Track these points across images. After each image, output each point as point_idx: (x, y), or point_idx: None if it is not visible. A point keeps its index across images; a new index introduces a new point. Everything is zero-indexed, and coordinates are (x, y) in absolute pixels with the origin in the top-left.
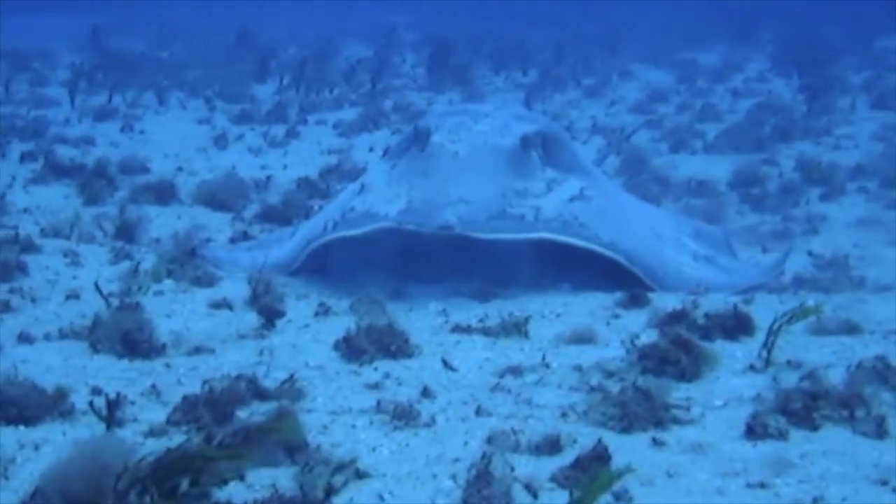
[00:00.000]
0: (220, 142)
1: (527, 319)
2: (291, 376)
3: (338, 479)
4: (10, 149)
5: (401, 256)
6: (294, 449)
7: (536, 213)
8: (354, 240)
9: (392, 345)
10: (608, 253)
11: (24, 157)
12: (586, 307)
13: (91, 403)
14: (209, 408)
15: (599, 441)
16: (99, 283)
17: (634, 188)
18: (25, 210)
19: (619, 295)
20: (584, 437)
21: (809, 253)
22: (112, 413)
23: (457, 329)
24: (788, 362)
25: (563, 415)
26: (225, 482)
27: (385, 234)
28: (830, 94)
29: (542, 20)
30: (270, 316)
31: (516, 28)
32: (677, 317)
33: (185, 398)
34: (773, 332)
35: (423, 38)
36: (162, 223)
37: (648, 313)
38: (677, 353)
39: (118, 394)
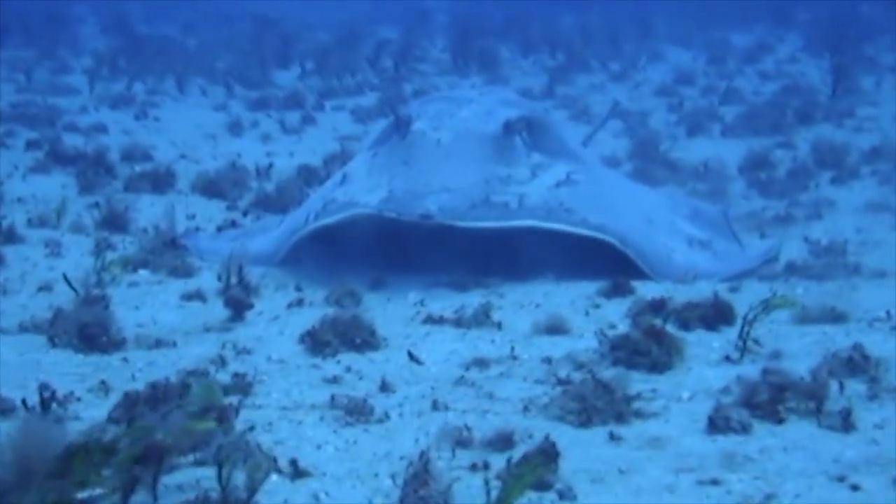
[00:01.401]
0: (235, 129)
1: (500, 310)
2: (245, 372)
3: (257, 477)
4: (19, 137)
5: (385, 247)
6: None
7: (520, 200)
8: (338, 231)
9: (357, 337)
10: (598, 235)
11: (30, 146)
12: (568, 297)
13: (24, 401)
14: (151, 404)
15: (547, 437)
16: (78, 273)
17: (642, 172)
18: (19, 199)
19: (601, 284)
20: (540, 433)
21: (805, 239)
22: (46, 410)
23: (428, 320)
24: (756, 349)
25: (525, 408)
26: None
27: (368, 224)
28: (857, 75)
29: (580, 3)
30: (238, 308)
31: (552, 11)
32: (655, 306)
33: (126, 395)
34: (747, 323)
35: (456, 21)
36: (155, 212)
37: (630, 303)
38: (648, 343)
39: (53, 391)
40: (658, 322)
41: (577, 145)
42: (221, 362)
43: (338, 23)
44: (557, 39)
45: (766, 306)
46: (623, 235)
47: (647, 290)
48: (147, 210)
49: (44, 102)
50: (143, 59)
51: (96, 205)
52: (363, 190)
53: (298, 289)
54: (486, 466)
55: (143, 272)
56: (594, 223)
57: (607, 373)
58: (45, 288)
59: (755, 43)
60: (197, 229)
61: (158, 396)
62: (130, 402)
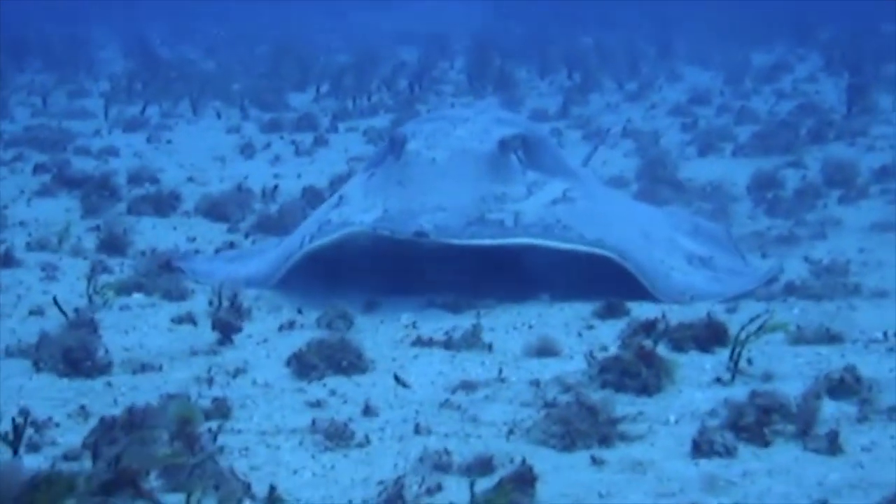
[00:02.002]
0: (246, 150)
1: (492, 332)
2: (226, 396)
3: None
4: (29, 161)
5: (381, 268)
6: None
7: (516, 218)
8: (335, 252)
9: (343, 360)
10: (596, 250)
11: (37, 169)
12: (562, 318)
13: None
14: (127, 430)
15: (524, 461)
16: (72, 297)
17: (647, 192)
18: (21, 223)
19: (596, 305)
20: (522, 457)
21: (806, 259)
22: (18, 438)
23: (418, 342)
24: (748, 371)
25: (510, 432)
26: None
27: (364, 245)
28: (875, 94)
29: (603, 23)
30: (226, 331)
31: (573, 31)
32: (647, 327)
33: (101, 420)
34: (739, 344)
35: (476, 42)
36: (155, 235)
37: (624, 324)
38: (638, 365)
39: (26, 417)
40: (648, 343)
41: (573, 163)
42: (205, 385)
43: (360, 45)
44: (576, 60)
45: (758, 329)
46: (622, 250)
47: (642, 311)
48: (148, 233)
49: (57, 126)
50: (159, 83)
51: (97, 228)
52: (358, 211)
53: (300, 311)
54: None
55: (136, 295)
56: (591, 239)
57: (594, 395)
58: (37, 312)
59: (775, 62)
60: (196, 252)
61: (135, 422)
62: (106, 428)
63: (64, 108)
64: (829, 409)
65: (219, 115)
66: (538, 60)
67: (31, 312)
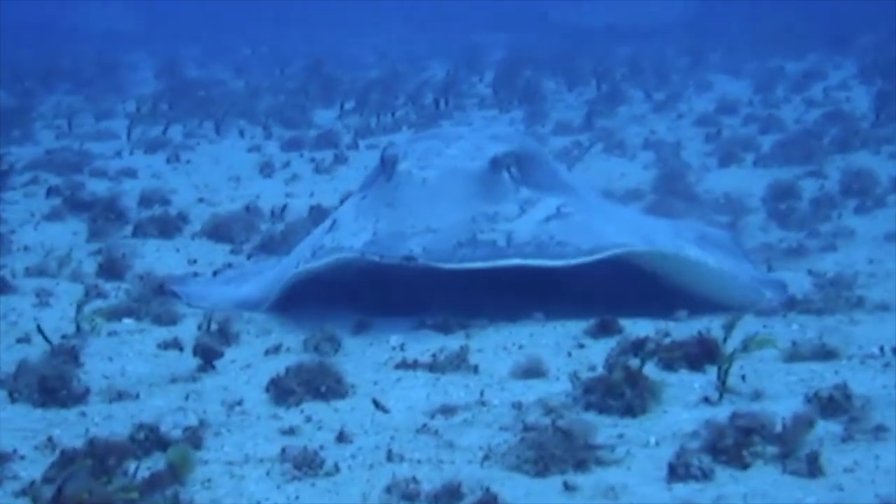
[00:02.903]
0: (265, 169)
1: (481, 353)
2: (197, 425)
3: None
4: (44, 184)
5: (374, 289)
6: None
7: (509, 237)
8: (329, 275)
9: (322, 385)
10: (592, 258)
11: (50, 192)
12: (554, 337)
13: None
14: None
15: (487, 490)
16: (63, 324)
17: (660, 205)
18: (26, 248)
19: (590, 323)
20: (494, 483)
21: (810, 272)
22: None
23: (402, 365)
24: (737, 390)
25: (486, 457)
26: None
27: (357, 267)
28: None
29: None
30: (208, 357)
31: (606, 43)
32: (636, 346)
33: (62, 453)
34: (726, 363)
35: (510, 55)
36: (158, 257)
37: (617, 342)
38: (622, 386)
39: None
40: (634, 363)
41: (571, 178)
42: (181, 414)
43: (392, 60)
44: (606, 71)
45: (746, 346)
46: (622, 243)
47: (636, 329)
48: (150, 255)
49: (79, 148)
50: (185, 103)
51: (99, 252)
52: (349, 234)
53: (282, 335)
54: None
55: (126, 321)
56: (588, 248)
57: (575, 418)
58: (24, 340)
59: (808, 70)
60: (194, 274)
61: (97, 454)
62: (66, 461)
63: (89, 130)
64: (816, 428)
65: (242, 134)
66: (567, 72)
67: (19, 340)
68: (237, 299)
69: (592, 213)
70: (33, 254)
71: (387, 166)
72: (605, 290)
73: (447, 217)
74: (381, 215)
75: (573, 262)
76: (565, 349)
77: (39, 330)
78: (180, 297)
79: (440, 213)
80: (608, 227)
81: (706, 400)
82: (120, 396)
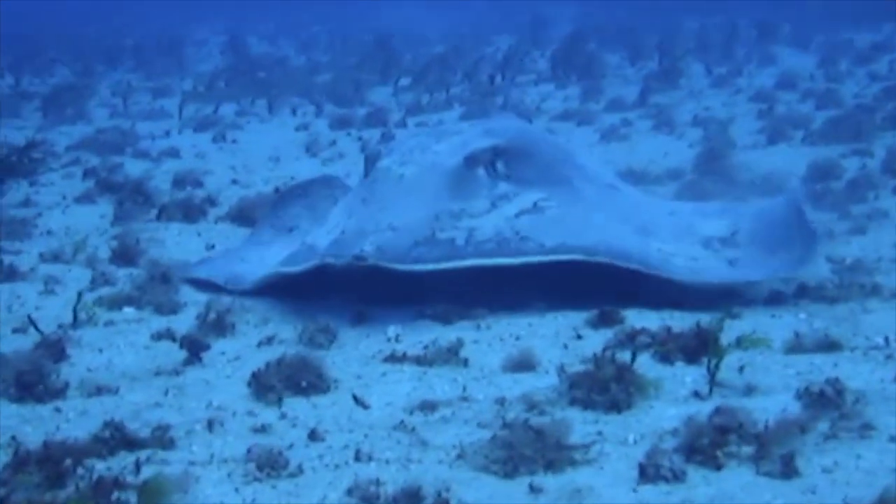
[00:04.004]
0: (311, 148)
1: (476, 344)
2: (166, 423)
3: None
4: (86, 165)
5: (379, 278)
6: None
7: (469, 234)
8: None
9: (303, 381)
10: (552, 258)
11: (87, 174)
12: (553, 328)
13: None
14: (41, 465)
15: (439, 495)
16: (66, 312)
17: (696, 186)
18: (49, 232)
19: (592, 313)
20: (458, 485)
21: (829, 258)
22: None
23: (390, 359)
24: (728, 384)
25: (459, 457)
26: None
27: None
28: None
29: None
30: (194, 349)
31: (676, 16)
32: (631, 338)
33: (16, 453)
34: (716, 357)
35: (574, 31)
36: (178, 242)
37: (616, 333)
38: (607, 381)
39: None
40: (623, 357)
41: (574, 167)
42: (156, 410)
43: (459, 35)
44: (670, 45)
45: (739, 343)
46: (590, 247)
47: (637, 319)
48: (170, 240)
49: (129, 127)
50: (242, 81)
51: (116, 237)
52: (325, 232)
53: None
54: None
55: (127, 310)
56: (551, 246)
57: (548, 418)
58: (21, 330)
59: (879, 42)
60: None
61: (52, 456)
62: (20, 462)
63: (144, 108)
64: (800, 424)
65: (293, 113)
66: (631, 46)
67: (15, 330)
68: (232, 274)
69: (577, 206)
70: (54, 238)
71: (369, 164)
72: (616, 277)
73: (412, 214)
74: (355, 212)
75: (532, 259)
76: (562, 340)
77: (31, 321)
78: (193, 281)
79: (407, 210)
80: (594, 220)
81: (696, 395)
82: (99, 391)
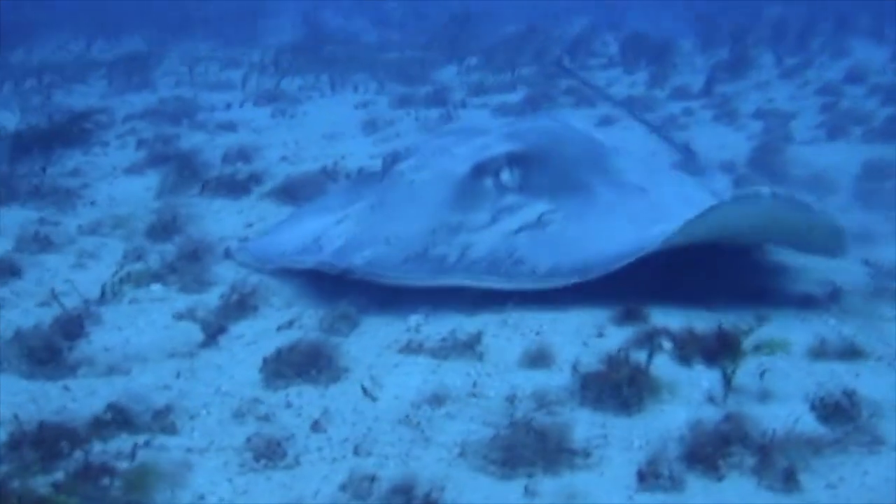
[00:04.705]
0: (369, 127)
1: (496, 337)
2: (167, 407)
3: None
4: (141, 134)
5: None
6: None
7: (463, 251)
8: None
9: (314, 368)
10: (544, 285)
11: (140, 145)
12: (576, 323)
13: None
14: (35, 447)
15: (429, 495)
16: (95, 287)
17: (746, 182)
18: (93, 203)
19: (617, 309)
20: (453, 485)
21: (866, 262)
22: None
23: (406, 349)
24: (744, 390)
25: (460, 454)
26: None
27: None
28: None
29: None
30: (210, 332)
31: (762, 3)
32: (651, 336)
33: (10, 435)
34: (732, 363)
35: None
36: (217, 219)
37: (636, 332)
38: (619, 382)
39: None
40: (638, 358)
41: (604, 169)
42: (164, 392)
43: (537, 15)
44: (743, 33)
45: (758, 348)
46: (585, 265)
47: (663, 318)
48: (210, 217)
49: (191, 98)
50: (308, 56)
51: (155, 212)
52: (336, 235)
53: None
54: None
55: (155, 287)
56: (543, 272)
57: (567, 415)
58: (45, 303)
59: None
60: (244, 240)
61: (46, 439)
62: (14, 443)
63: (211, 79)
64: (810, 436)
65: (356, 90)
66: (704, 33)
67: (41, 304)
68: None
69: (587, 216)
70: (97, 210)
71: (386, 166)
72: (649, 270)
73: (411, 226)
74: (362, 218)
75: (521, 286)
76: (583, 337)
77: (54, 296)
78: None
79: (408, 221)
80: (600, 228)
81: (710, 399)
82: (110, 371)
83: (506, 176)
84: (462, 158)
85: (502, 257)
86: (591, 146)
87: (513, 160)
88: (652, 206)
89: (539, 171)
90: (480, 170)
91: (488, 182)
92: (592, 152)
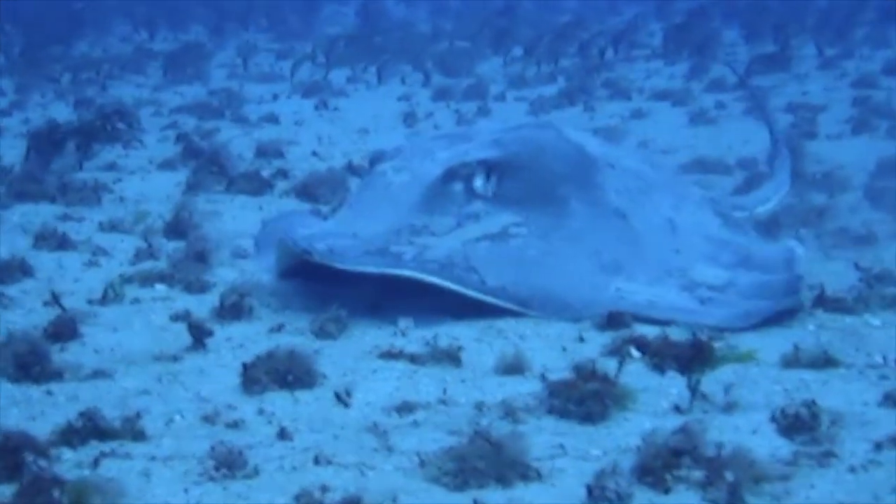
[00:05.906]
0: (409, 119)
1: (478, 342)
2: (137, 414)
3: None
4: (182, 128)
5: None
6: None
7: (420, 252)
8: None
9: (289, 375)
10: (487, 299)
11: (179, 139)
12: (559, 328)
13: None
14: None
15: None
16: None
17: (756, 181)
18: (121, 199)
19: (601, 315)
20: (406, 497)
21: (856, 266)
22: None
23: (386, 354)
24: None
25: (420, 464)
26: None
27: None
28: None
29: None
30: (198, 335)
31: None
32: (626, 343)
33: None
34: (697, 371)
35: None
36: (236, 217)
37: (614, 338)
38: (583, 391)
39: None
40: (603, 367)
41: (588, 185)
42: (142, 397)
43: (589, 7)
44: (788, 24)
45: (724, 357)
46: (527, 297)
47: (642, 325)
48: (229, 214)
49: (239, 89)
50: (359, 46)
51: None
52: (316, 227)
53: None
54: None
55: (158, 287)
56: (491, 287)
57: (533, 423)
58: (50, 303)
59: None
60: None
61: (9, 447)
62: None
63: (265, 70)
64: (763, 449)
65: (403, 81)
66: (747, 24)
67: (46, 303)
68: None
69: (552, 236)
70: (124, 206)
71: (370, 166)
72: None
73: (379, 226)
74: (340, 215)
75: (469, 294)
76: (563, 343)
77: (54, 297)
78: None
79: (378, 221)
80: (560, 254)
81: (676, 409)
82: (94, 375)
83: (479, 183)
84: (440, 163)
85: (457, 262)
86: (576, 159)
87: (488, 168)
88: (621, 238)
89: (513, 181)
90: (451, 175)
91: (458, 187)
92: (576, 165)
